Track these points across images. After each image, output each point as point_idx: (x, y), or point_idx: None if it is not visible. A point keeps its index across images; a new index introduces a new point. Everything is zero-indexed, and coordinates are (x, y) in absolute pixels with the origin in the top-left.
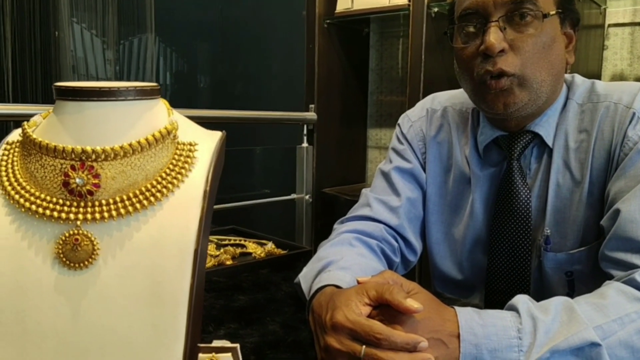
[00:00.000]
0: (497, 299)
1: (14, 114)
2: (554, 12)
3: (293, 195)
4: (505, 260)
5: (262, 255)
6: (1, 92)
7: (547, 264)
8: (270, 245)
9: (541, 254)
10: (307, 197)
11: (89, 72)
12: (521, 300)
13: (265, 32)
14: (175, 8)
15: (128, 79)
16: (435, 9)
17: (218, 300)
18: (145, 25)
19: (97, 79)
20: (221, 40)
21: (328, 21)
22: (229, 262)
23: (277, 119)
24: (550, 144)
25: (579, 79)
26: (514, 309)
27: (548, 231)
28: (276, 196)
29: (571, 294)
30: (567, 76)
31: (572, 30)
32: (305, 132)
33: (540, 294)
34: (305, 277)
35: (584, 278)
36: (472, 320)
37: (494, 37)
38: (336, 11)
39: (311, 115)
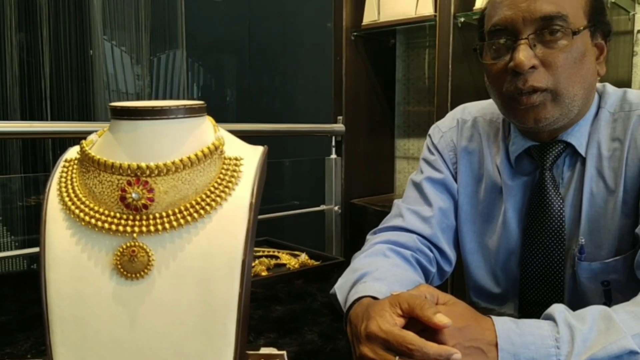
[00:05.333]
0: (531, 310)
1: (52, 131)
2: (584, 27)
3: (322, 207)
4: (539, 270)
5: (296, 266)
6: (39, 110)
7: (582, 274)
8: (303, 257)
9: (575, 263)
10: (336, 208)
11: (119, 88)
12: (557, 310)
13: (293, 46)
14: (204, 24)
15: (159, 95)
16: (462, 19)
17: (256, 311)
18: (176, 42)
19: (127, 95)
20: (249, 55)
21: (355, 33)
22: (264, 273)
23: (306, 131)
24: (583, 153)
25: (610, 88)
26: (550, 318)
27: (582, 240)
28: (305, 207)
29: (608, 304)
30: (599, 85)
31: (604, 41)
32: (333, 143)
33: (575, 304)
34: (341, 289)
35: (621, 287)
36: (509, 329)
37: (524, 54)
38: (363, 23)
39: (339, 126)
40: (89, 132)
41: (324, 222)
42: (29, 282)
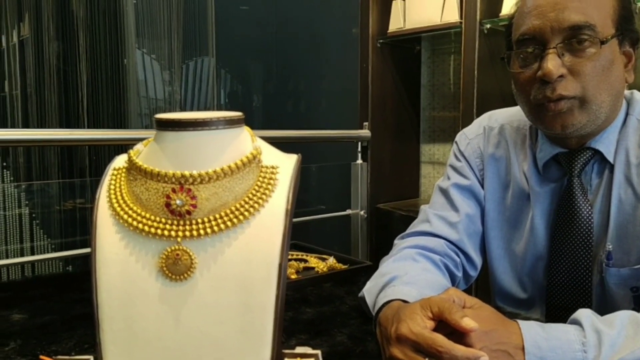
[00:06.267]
0: (558, 315)
1: (89, 139)
2: (612, 36)
3: (348, 211)
4: (566, 276)
5: (325, 269)
6: (76, 117)
7: (610, 280)
8: (331, 260)
9: (602, 269)
10: (362, 212)
11: (149, 94)
12: (584, 315)
13: (319, 53)
14: (234, 32)
15: (188, 101)
16: (488, 25)
17: (287, 312)
18: (207, 49)
19: (157, 102)
20: (276, 61)
21: (381, 41)
22: (293, 276)
23: (332, 137)
24: (611, 160)
25: (638, 95)
26: (577, 322)
27: (610, 247)
28: (331, 212)
29: (637, 309)
30: (627, 92)
31: (632, 49)
32: (359, 149)
33: (603, 310)
34: (369, 292)
35: None
36: (536, 333)
37: (552, 63)
38: (389, 31)
39: (365, 132)
40: (126, 140)
41: (349, 227)
42: (69, 284)
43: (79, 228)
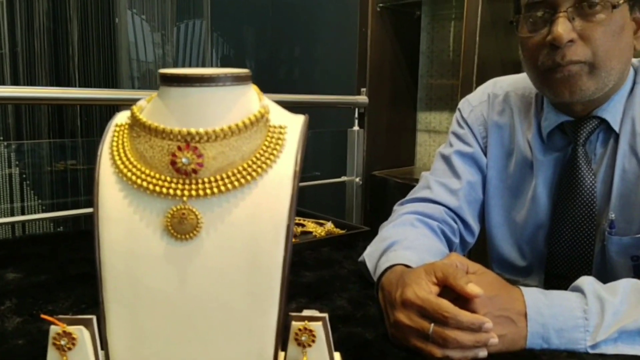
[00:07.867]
0: (556, 283)
1: (80, 97)
2: (623, 1)
3: (343, 178)
4: (567, 245)
5: (322, 234)
6: (66, 77)
7: (612, 248)
8: (329, 225)
9: (605, 238)
10: (357, 179)
11: (140, 57)
12: (587, 282)
13: (316, 17)
14: None
15: (182, 66)
16: None
17: None
18: (201, 12)
19: (147, 64)
20: (272, 25)
21: (381, 5)
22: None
23: (329, 103)
24: (616, 129)
25: None
26: (579, 290)
27: (613, 215)
28: (326, 178)
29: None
30: (635, 61)
31: None
32: (356, 115)
33: (603, 279)
34: (370, 256)
35: None
36: (538, 300)
37: (562, 27)
38: None
39: (363, 98)
40: (118, 100)
41: (344, 194)
42: (63, 243)
43: (70, 189)
